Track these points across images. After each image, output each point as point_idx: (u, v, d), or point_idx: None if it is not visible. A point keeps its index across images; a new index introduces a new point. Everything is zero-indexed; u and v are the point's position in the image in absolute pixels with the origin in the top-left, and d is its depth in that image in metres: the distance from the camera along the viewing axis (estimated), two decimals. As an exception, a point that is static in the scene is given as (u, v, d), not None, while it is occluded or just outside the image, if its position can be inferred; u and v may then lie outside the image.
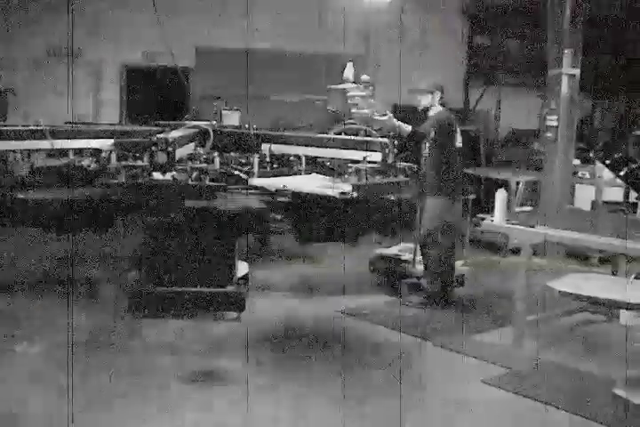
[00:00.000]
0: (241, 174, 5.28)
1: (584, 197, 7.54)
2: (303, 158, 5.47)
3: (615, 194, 7.23)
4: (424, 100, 5.39)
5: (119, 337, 4.51)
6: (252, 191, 5.07)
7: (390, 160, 5.11)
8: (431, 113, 5.38)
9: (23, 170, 5.12)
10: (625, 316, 4.91)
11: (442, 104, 5.44)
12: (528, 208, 7.58)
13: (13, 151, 5.10)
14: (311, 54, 9.30)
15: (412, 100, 5.57)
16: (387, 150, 5.04)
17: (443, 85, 5.45)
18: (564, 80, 6.95)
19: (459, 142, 5.35)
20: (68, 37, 8.72)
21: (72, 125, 6.16)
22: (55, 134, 5.11)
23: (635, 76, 9.61)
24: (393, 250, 6.06)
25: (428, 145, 5.26)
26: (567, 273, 4.49)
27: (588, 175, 7.58)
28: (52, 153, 5.25)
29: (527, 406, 3.74)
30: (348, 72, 5.32)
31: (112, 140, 5.16)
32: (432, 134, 5.20)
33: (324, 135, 5.76)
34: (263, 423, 3.52)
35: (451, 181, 5.29)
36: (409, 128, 5.17)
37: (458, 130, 5.37)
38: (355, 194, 4.64)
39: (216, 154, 5.36)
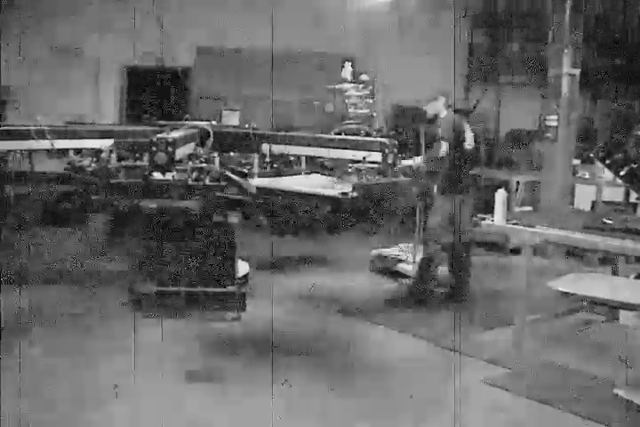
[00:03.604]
0: (237, 178, 5.27)
1: (584, 197, 7.54)
2: (303, 158, 5.48)
3: (615, 194, 7.23)
4: (431, 108, 5.44)
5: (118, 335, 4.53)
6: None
7: (390, 160, 5.11)
8: (440, 117, 5.43)
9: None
10: (625, 316, 4.91)
11: (449, 108, 5.47)
12: (528, 208, 7.57)
13: (14, 151, 5.11)
14: (311, 54, 9.30)
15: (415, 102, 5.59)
16: (387, 150, 5.03)
17: (447, 91, 5.52)
18: (564, 80, 6.96)
19: (468, 144, 5.37)
20: (68, 37, 8.76)
21: (72, 125, 6.16)
22: (55, 134, 5.11)
23: (635, 76, 9.60)
24: (393, 250, 6.07)
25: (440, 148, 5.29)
26: (567, 273, 4.49)
27: (587, 175, 7.58)
28: (52, 152, 5.25)
29: (527, 407, 3.74)
30: (347, 72, 5.33)
31: (112, 141, 5.16)
32: (443, 137, 5.24)
33: (324, 135, 5.76)
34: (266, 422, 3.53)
35: (463, 180, 5.36)
36: None
37: (468, 131, 5.40)
38: (355, 194, 4.63)
39: (216, 154, 5.36)
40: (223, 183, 4.97)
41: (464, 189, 5.42)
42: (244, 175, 5.35)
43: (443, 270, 5.63)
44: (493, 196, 4.61)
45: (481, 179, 8.29)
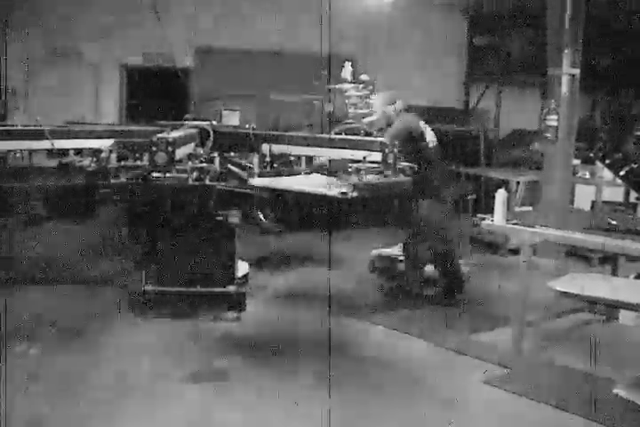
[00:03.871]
0: (239, 171, 5.28)
1: (584, 197, 7.54)
2: (303, 158, 5.47)
3: (615, 194, 7.23)
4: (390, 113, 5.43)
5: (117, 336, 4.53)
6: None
7: (390, 160, 5.09)
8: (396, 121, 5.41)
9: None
10: (625, 316, 4.91)
11: (406, 110, 5.46)
12: (528, 208, 7.57)
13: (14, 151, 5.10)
14: (311, 54, 9.30)
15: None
16: (386, 150, 5.02)
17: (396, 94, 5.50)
18: (564, 80, 6.95)
19: (431, 142, 5.34)
20: (69, 37, 8.75)
21: (72, 125, 6.16)
22: (55, 134, 5.11)
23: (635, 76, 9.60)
24: (393, 250, 6.07)
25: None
26: (567, 273, 4.49)
27: (588, 175, 7.58)
28: (52, 152, 5.25)
29: (527, 407, 3.74)
30: (346, 72, 5.33)
31: (112, 141, 5.16)
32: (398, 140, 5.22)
33: (324, 135, 5.75)
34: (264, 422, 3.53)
35: (428, 182, 5.30)
36: None
37: (426, 130, 5.36)
38: (355, 194, 4.63)
39: (216, 154, 5.37)
40: (222, 183, 4.98)
41: (436, 190, 5.38)
42: (244, 168, 5.36)
43: (432, 271, 5.65)
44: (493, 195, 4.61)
45: (481, 179, 8.32)
